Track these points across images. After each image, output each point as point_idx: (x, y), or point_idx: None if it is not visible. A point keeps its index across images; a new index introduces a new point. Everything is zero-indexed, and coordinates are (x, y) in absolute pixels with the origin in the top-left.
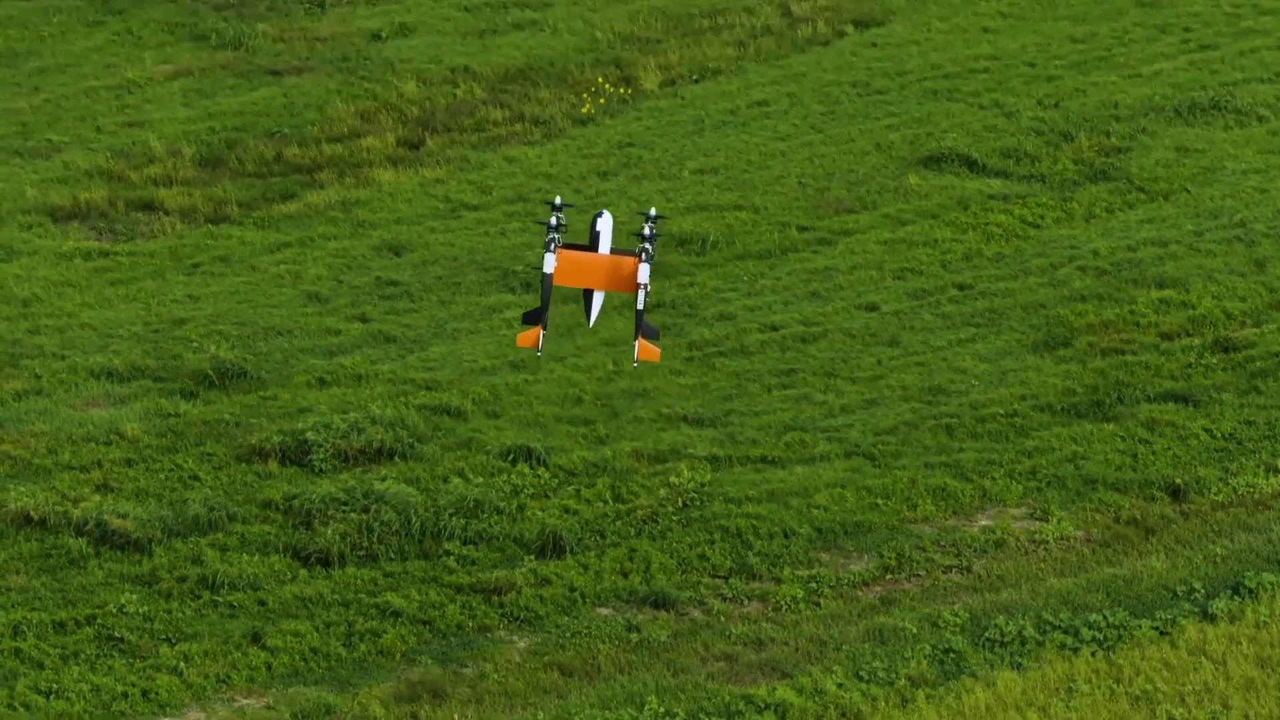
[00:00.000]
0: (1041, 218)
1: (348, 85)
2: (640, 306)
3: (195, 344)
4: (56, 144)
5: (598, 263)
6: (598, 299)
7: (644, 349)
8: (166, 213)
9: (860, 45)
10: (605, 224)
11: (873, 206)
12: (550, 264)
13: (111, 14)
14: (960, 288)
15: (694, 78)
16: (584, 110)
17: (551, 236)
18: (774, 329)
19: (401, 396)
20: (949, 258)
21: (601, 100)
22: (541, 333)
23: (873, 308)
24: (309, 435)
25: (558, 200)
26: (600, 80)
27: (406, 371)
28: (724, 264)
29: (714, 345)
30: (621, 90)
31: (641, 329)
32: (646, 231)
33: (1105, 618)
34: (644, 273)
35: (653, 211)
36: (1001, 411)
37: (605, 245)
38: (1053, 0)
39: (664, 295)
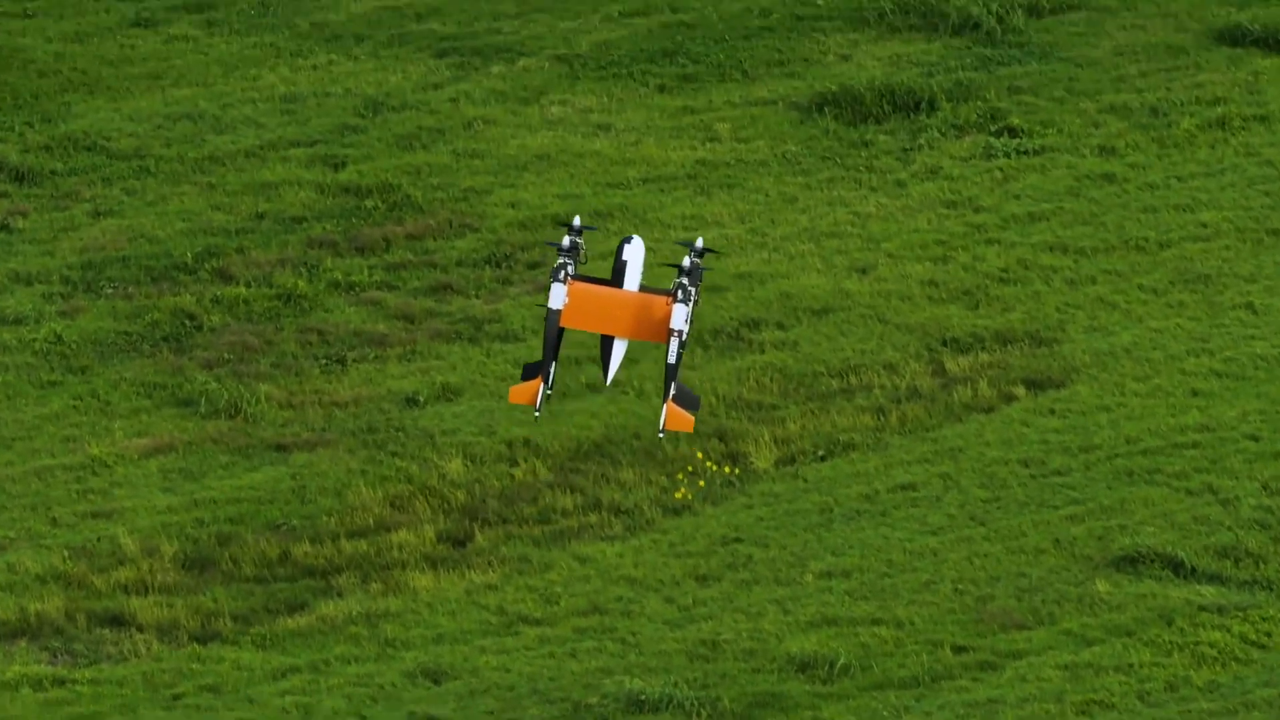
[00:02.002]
0: (1268, 635)
1: (374, 464)
2: (673, 360)
3: None
4: (0, 540)
5: (621, 301)
6: (619, 349)
7: (674, 416)
8: (140, 629)
9: (1034, 412)
10: (635, 252)
11: (1049, 621)
12: (559, 298)
13: (71, 372)
14: None
15: (819, 454)
16: (678, 496)
17: (562, 263)
18: None
19: None
20: (1148, 687)
21: (701, 483)
22: (542, 388)
23: None
24: None
25: (576, 220)
26: (699, 456)
27: None
28: (858, 695)
29: None
30: (726, 470)
31: (673, 391)
32: (686, 264)
33: None
34: (679, 316)
35: (699, 243)
36: None
37: (633, 279)
38: None
39: None
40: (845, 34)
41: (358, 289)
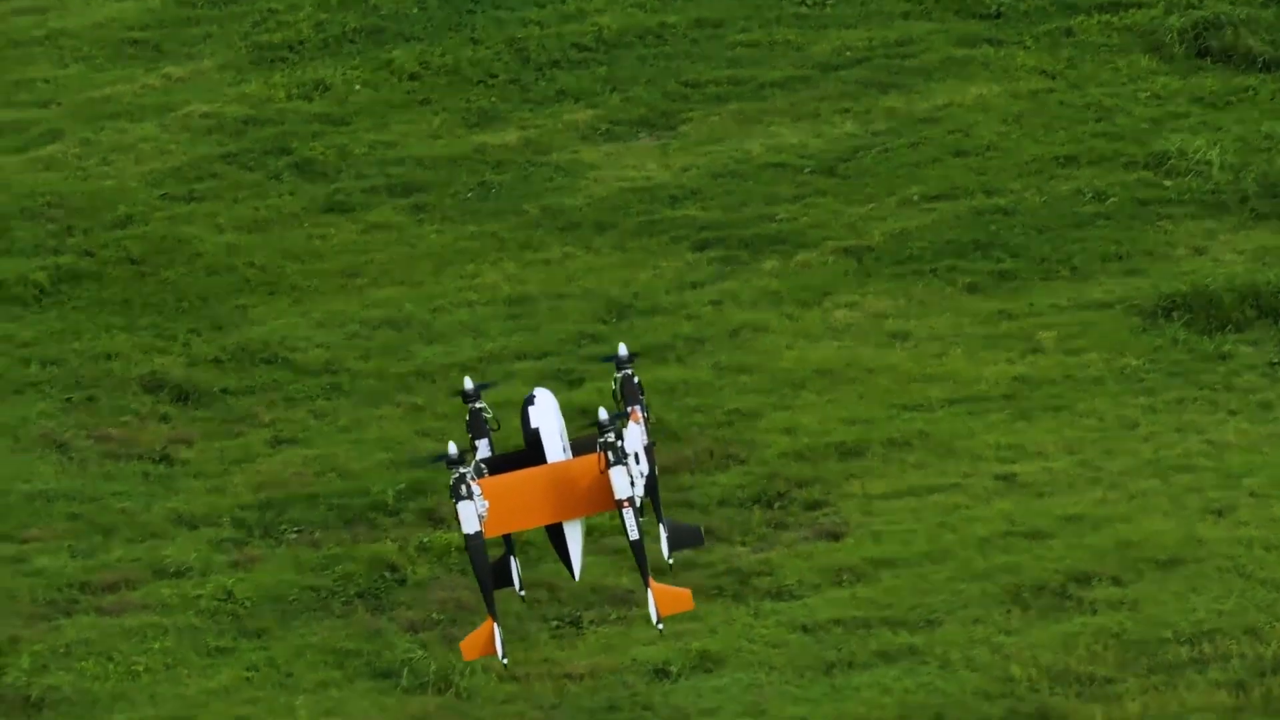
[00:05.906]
0: None
1: None
2: (634, 536)
3: None
4: None
5: (543, 480)
6: (572, 534)
7: (665, 597)
8: None
9: None
10: (544, 412)
11: None
12: (471, 519)
13: (245, 636)
14: None
15: None
16: None
17: (459, 476)
18: None
19: None
20: None
21: None
22: (495, 628)
23: None
24: None
25: (468, 383)
26: None
27: None
28: None
29: None
30: None
31: (647, 568)
32: (606, 418)
33: None
34: (620, 484)
35: (622, 350)
36: None
37: (554, 445)
38: None
39: None
40: (1199, 222)
41: (596, 535)
